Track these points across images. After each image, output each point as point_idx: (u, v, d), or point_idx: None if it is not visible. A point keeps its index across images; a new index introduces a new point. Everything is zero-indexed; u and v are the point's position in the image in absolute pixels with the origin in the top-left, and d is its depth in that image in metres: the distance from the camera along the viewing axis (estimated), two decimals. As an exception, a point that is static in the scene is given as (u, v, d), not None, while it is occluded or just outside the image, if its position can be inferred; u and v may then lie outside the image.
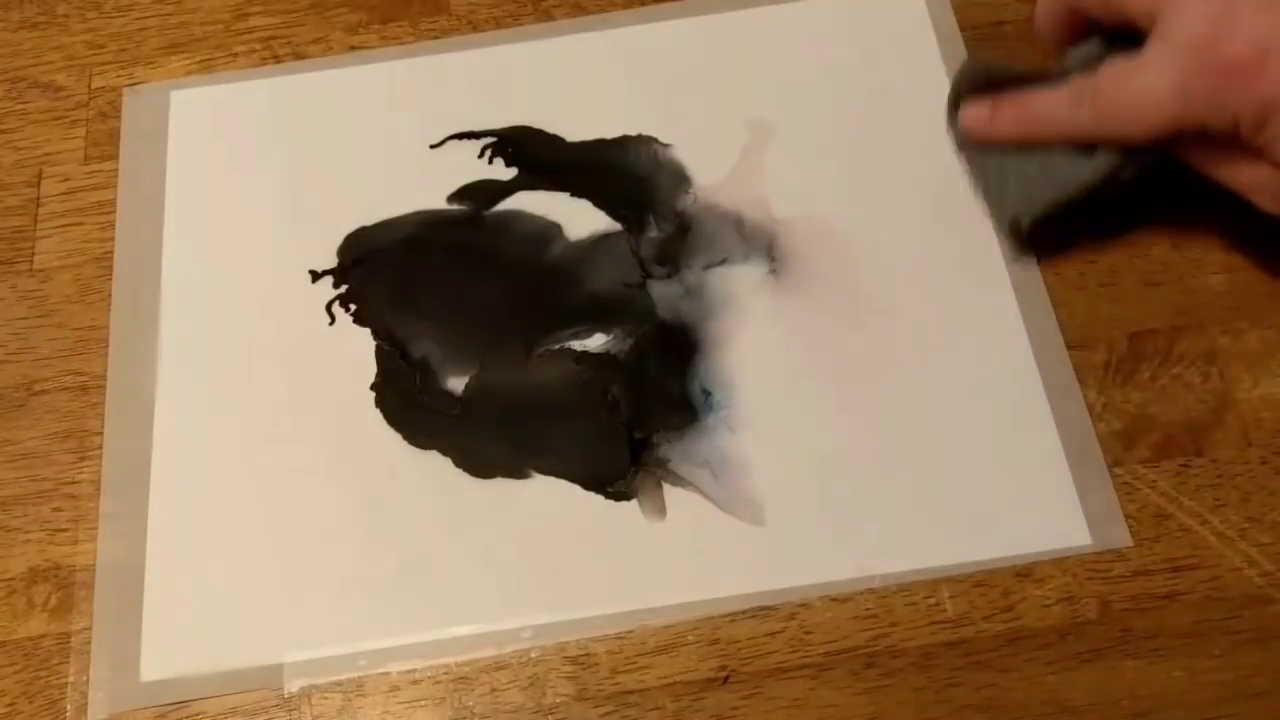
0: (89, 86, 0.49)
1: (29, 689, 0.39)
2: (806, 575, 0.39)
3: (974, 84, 0.42)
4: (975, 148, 0.42)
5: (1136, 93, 0.37)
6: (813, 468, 0.40)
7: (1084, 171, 0.40)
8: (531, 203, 0.46)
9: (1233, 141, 0.37)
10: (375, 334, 0.43)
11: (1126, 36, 0.38)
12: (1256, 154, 0.37)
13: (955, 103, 0.42)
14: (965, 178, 0.43)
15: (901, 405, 0.41)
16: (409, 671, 0.38)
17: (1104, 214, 0.42)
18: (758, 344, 0.42)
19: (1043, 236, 0.42)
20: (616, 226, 0.45)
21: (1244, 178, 0.38)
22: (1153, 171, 0.39)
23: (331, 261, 0.45)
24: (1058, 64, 0.41)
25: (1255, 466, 0.39)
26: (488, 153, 0.47)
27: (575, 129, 0.47)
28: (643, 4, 0.49)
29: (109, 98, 0.49)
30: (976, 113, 0.41)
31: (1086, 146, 0.39)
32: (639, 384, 0.42)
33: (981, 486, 0.39)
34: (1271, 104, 0.35)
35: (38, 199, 0.47)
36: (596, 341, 0.43)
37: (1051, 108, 0.40)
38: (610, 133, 0.46)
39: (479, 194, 0.46)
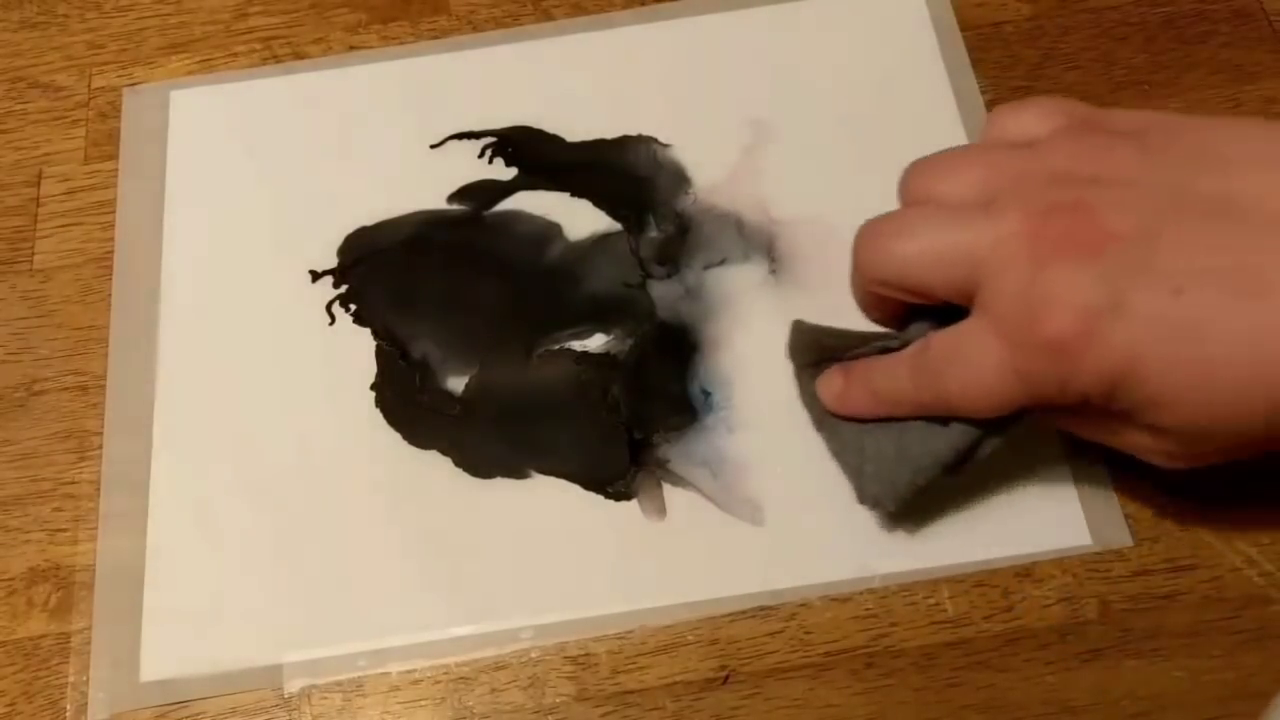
0: (89, 86, 0.49)
1: (29, 689, 0.39)
2: (806, 575, 0.38)
3: (806, 351, 0.37)
4: (833, 421, 0.37)
5: (971, 370, 0.32)
6: (813, 468, 0.40)
7: (940, 448, 0.34)
8: (531, 203, 0.46)
9: (1096, 410, 0.32)
10: (375, 334, 0.43)
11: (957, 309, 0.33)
12: (1125, 418, 0.32)
13: (802, 367, 0.38)
14: None
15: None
16: (409, 671, 0.38)
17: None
18: (758, 344, 0.42)
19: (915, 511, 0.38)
20: (616, 226, 0.45)
21: (1124, 441, 0.33)
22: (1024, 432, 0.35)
23: (331, 261, 0.45)
24: (898, 332, 0.36)
25: (1255, 466, 0.39)
26: (488, 153, 0.47)
27: (575, 129, 0.47)
28: (643, 4, 0.49)
29: (109, 98, 0.49)
30: (830, 385, 0.37)
31: (940, 419, 0.34)
32: (639, 384, 0.42)
33: (981, 486, 0.39)
34: (1111, 375, 0.30)
35: (38, 199, 0.47)
36: (596, 342, 0.43)
37: (893, 381, 0.35)
38: (610, 133, 0.46)
39: (479, 194, 0.46)
